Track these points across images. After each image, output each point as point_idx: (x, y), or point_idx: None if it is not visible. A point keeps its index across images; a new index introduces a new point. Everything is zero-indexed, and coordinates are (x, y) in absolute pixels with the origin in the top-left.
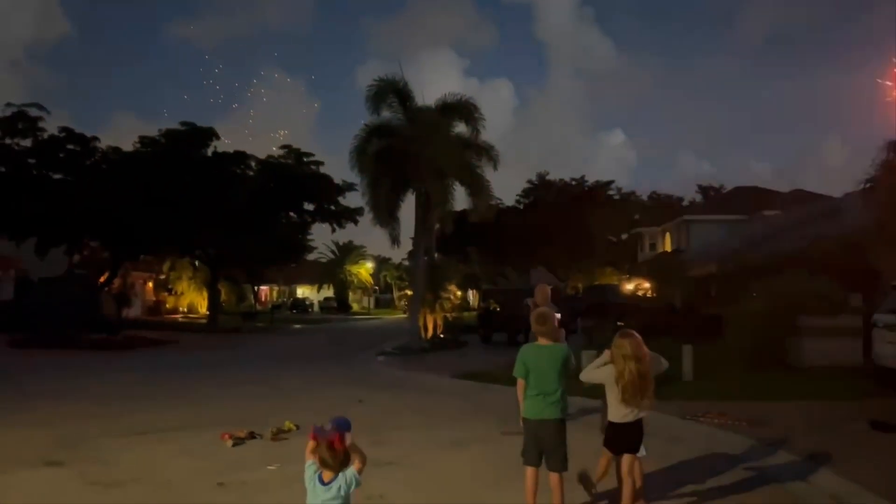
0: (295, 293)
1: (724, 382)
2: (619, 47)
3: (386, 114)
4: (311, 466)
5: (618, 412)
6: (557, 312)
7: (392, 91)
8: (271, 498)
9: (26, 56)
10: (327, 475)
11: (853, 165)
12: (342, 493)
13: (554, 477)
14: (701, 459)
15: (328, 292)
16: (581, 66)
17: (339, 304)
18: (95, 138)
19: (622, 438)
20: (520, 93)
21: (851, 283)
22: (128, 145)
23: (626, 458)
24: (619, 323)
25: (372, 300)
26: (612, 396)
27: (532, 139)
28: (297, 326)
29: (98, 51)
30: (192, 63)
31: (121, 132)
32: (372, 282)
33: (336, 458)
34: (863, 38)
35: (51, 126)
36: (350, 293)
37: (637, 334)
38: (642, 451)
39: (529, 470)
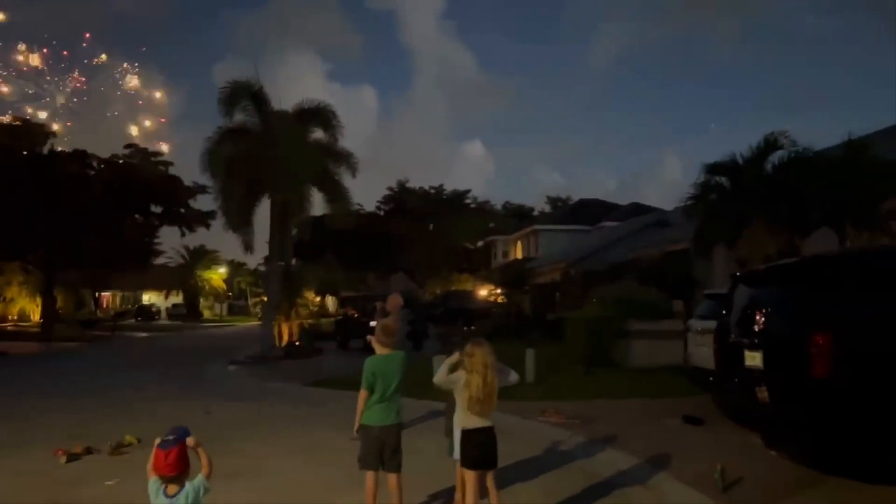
0: (140, 299)
1: (562, 383)
2: (481, 60)
3: (240, 117)
4: (154, 482)
5: (468, 419)
6: (410, 320)
7: (247, 94)
8: None
9: None
10: (172, 488)
11: (689, 179)
12: (190, 501)
13: (393, 478)
14: (536, 458)
15: (177, 299)
16: (444, 76)
17: (190, 311)
18: None
19: (475, 447)
20: (383, 100)
21: (675, 290)
22: None
23: (472, 476)
24: (469, 328)
25: (225, 307)
26: (461, 402)
27: (395, 146)
28: (143, 335)
29: None
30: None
31: None
32: (225, 287)
33: (174, 472)
34: (701, 57)
35: None
36: (202, 299)
37: (486, 342)
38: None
39: (370, 474)
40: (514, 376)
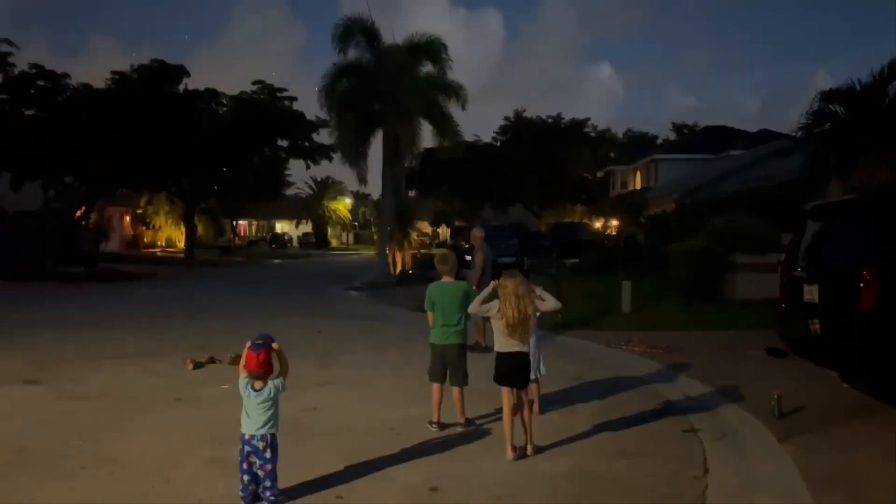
0: (274, 228)
1: (658, 314)
2: None
3: (354, 53)
4: (243, 379)
5: (501, 343)
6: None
7: (360, 31)
8: (220, 410)
9: None
10: (258, 384)
11: None
12: (271, 396)
13: (456, 391)
14: (605, 381)
15: (307, 228)
16: None
17: (318, 240)
18: (66, 75)
19: (507, 368)
20: (509, 23)
21: (786, 222)
22: (104, 69)
23: (508, 391)
24: (560, 260)
25: (351, 236)
26: (497, 329)
27: (520, 71)
28: (276, 261)
29: None
30: None
31: (97, 56)
32: (350, 217)
33: (261, 370)
34: None
35: (21, 61)
36: (329, 229)
37: (519, 274)
38: (535, 374)
39: (435, 385)
40: (550, 304)
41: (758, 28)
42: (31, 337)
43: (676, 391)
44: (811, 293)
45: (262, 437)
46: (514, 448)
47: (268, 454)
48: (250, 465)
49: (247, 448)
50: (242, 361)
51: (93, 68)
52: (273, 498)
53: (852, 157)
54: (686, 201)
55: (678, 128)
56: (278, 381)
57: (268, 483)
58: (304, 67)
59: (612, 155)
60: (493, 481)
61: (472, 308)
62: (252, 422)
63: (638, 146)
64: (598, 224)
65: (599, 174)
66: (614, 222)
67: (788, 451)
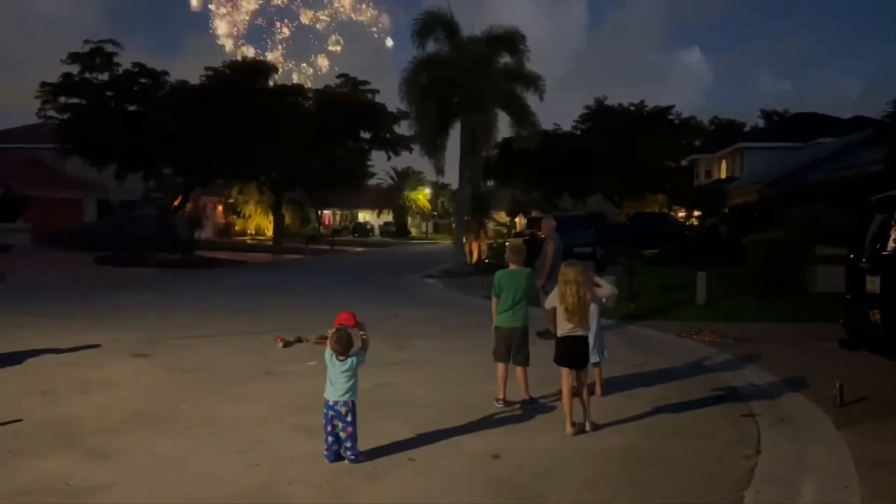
0: (356, 218)
1: (733, 306)
2: None
3: (433, 46)
4: (328, 352)
5: (562, 327)
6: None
7: (439, 24)
8: (307, 383)
9: None
10: (341, 356)
11: None
12: (353, 366)
13: (520, 370)
14: (671, 369)
15: (388, 217)
16: None
17: (399, 229)
18: (165, 72)
19: (565, 350)
20: (592, 7)
21: (868, 214)
22: (199, 66)
23: (567, 372)
24: (636, 250)
25: (431, 225)
26: (559, 314)
27: (606, 57)
28: (358, 249)
29: None
30: None
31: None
32: (430, 207)
33: (342, 344)
34: None
35: (125, 60)
36: (409, 218)
37: (578, 264)
38: (596, 358)
39: (500, 365)
40: (606, 290)
41: (863, 6)
42: (137, 316)
43: (741, 379)
44: (873, 284)
45: (345, 403)
46: (573, 424)
47: (349, 418)
48: (334, 427)
49: (331, 412)
50: (329, 336)
51: (188, 60)
52: (354, 457)
53: None
54: (770, 191)
55: (768, 115)
56: (358, 355)
57: (349, 444)
58: (389, 56)
59: (697, 143)
60: (550, 452)
61: (547, 303)
62: (336, 389)
63: (725, 134)
64: (681, 214)
65: (684, 163)
66: (697, 213)
67: (845, 438)
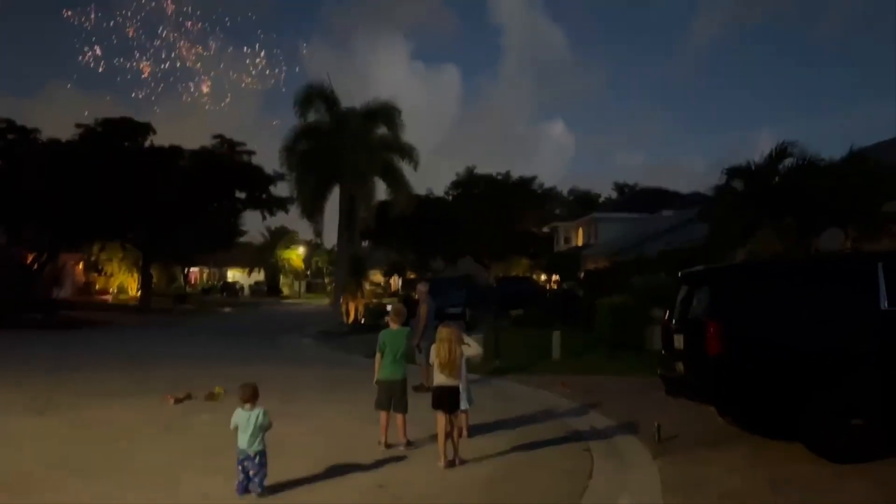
0: (226, 276)
1: (582, 361)
2: (569, 36)
3: (314, 116)
4: (239, 409)
5: (437, 378)
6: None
7: (320, 97)
8: (205, 439)
9: None
10: (248, 407)
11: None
12: (258, 416)
13: (400, 417)
14: (527, 415)
15: (259, 276)
16: (529, 54)
17: (270, 288)
18: (36, 130)
19: (440, 397)
20: (467, 78)
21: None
22: (60, 116)
23: (442, 416)
24: (499, 312)
25: (303, 285)
26: (434, 368)
27: (477, 125)
28: (227, 309)
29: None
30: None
31: (54, 103)
32: (303, 266)
33: (247, 393)
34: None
35: None
36: (282, 277)
37: (453, 325)
38: (464, 405)
39: (383, 413)
40: (472, 350)
41: (702, 99)
42: (25, 376)
43: (584, 423)
44: (679, 341)
45: (256, 451)
46: (445, 459)
47: (257, 460)
48: (244, 468)
49: (241, 456)
50: (240, 394)
51: (49, 111)
52: (260, 490)
53: (750, 229)
54: (618, 259)
55: (620, 187)
56: (261, 412)
57: (257, 480)
58: (266, 115)
59: (557, 211)
60: (426, 482)
61: (431, 359)
62: (244, 438)
63: (582, 204)
64: (542, 277)
65: (545, 229)
66: (556, 277)
67: (658, 466)
